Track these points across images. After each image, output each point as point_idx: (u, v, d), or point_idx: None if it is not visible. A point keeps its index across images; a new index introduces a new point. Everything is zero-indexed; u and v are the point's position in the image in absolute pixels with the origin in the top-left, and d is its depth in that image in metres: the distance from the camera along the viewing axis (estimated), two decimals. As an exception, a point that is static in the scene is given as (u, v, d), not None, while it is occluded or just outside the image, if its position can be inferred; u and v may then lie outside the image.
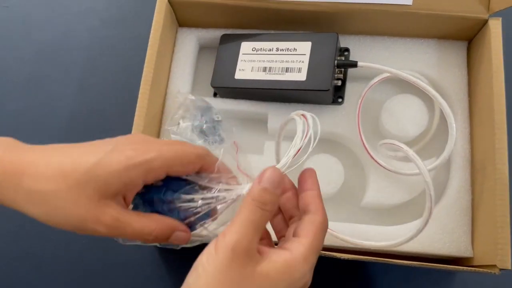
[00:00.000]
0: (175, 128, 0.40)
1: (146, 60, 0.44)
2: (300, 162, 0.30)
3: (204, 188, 0.31)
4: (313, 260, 0.28)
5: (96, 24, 0.59)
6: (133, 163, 0.28)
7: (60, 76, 0.57)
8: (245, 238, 0.26)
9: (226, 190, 0.30)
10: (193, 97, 0.44)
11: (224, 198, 0.30)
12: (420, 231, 0.36)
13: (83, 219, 0.28)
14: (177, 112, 0.42)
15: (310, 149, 0.31)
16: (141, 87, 0.43)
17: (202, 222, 0.31)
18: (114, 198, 0.28)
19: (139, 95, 0.43)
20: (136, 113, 0.43)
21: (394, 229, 0.42)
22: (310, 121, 0.32)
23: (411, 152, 0.37)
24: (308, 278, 0.28)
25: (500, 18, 0.43)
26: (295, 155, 0.30)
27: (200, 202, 0.30)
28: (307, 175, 0.31)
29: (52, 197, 0.28)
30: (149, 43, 0.44)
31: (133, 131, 0.42)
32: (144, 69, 0.44)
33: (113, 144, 0.29)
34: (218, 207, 0.30)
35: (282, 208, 0.33)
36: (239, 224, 0.27)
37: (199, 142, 0.42)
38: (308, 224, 0.29)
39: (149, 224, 0.29)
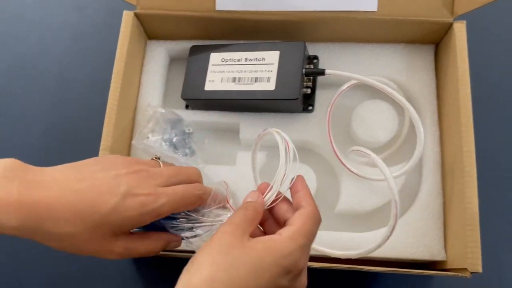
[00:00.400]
0: (145, 141, 0.40)
1: (113, 74, 0.44)
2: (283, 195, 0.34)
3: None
4: (301, 242, 0.30)
5: (68, 37, 0.59)
6: (146, 210, 0.32)
7: (32, 90, 0.57)
8: (237, 228, 0.30)
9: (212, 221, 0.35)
10: (162, 110, 0.44)
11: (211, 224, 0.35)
12: (387, 238, 0.36)
13: (96, 251, 0.32)
14: (146, 125, 0.41)
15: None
16: (108, 101, 0.43)
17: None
18: (124, 233, 0.33)
19: (107, 109, 0.43)
20: (104, 127, 0.42)
21: (367, 235, 0.42)
22: (291, 146, 0.35)
23: (378, 159, 0.37)
24: (297, 257, 0.29)
25: (465, 21, 0.43)
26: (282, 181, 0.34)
27: (187, 225, 0.35)
28: (297, 180, 0.35)
29: (70, 237, 0.31)
30: (116, 57, 0.44)
31: (101, 146, 0.42)
32: (111, 83, 0.44)
33: (122, 176, 0.32)
34: (204, 232, 0.35)
35: (276, 216, 0.34)
36: (231, 219, 0.31)
37: (170, 155, 0.41)
38: (299, 215, 0.32)
39: (151, 244, 0.34)
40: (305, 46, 0.45)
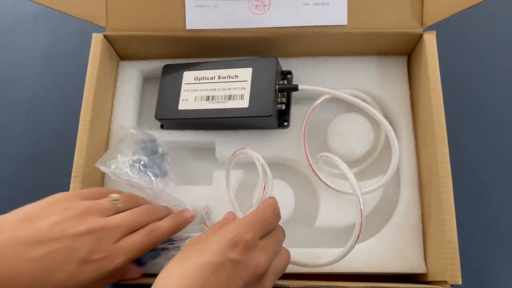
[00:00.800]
0: (112, 165, 0.39)
1: (84, 98, 0.43)
2: None
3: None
4: (247, 220, 0.32)
5: (40, 61, 0.58)
6: (104, 271, 0.32)
7: (4, 114, 0.56)
8: None
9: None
10: (133, 131, 0.43)
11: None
12: (352, 247, 0.36)
13: None
14: (115, 147, 0.41)
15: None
16: (79, 125, 0.42)
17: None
18: None
19: (78, 134, 0.42)
20: (76, 153, 0.42)
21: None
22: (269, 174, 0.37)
23: (341, 163, 0.38)
24: (241, 230, 0.31)
25: (435, 32, 0.43)
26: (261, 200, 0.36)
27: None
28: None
29: None
30: (86, 80, 0.44)
31: (73, 173, 0.41)
32: (82, 107, 0.43)
33: (78, 239, 0.31)
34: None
35: None
36: None
37: (135, 177, 0.40)
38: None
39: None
40: (277, 62, 0.44)
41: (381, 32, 0.44)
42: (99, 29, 0.46)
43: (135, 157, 0.40)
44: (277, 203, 0.35)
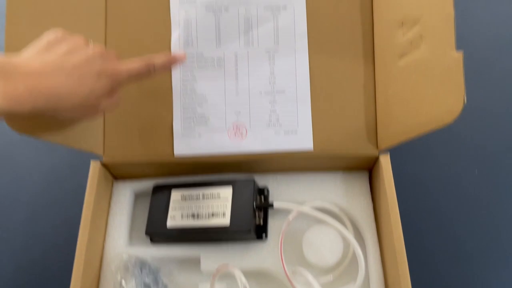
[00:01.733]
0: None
1: (81, 227, 0.47)
2: None
3: None
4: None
5: (41, 180, 0.63)
6: (114, 83, 0.43)
7: (3, 233, 0.60)
8: None
9: None
10: (127, 256, 0.48)
11: None
12: None
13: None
14: (116, 277, 0.45)
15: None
16: (75, 256, 0.46)
17: None
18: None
19: (75, 263, 0.46)
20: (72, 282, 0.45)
21: None
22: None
23: (308, 275, 0.43)
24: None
25: (389, 153, 0.50)
26: None
27: None
28: None
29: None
30: (84, 208, 0.48)
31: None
32: (79, 237, 0.47)
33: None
34: None
35: None
36: None
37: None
38: None
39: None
40: (254, 182, 0.51)
41: (343, 154, 0.51)
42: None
43: (138, 280, 0.45)
44: None
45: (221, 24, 0.53)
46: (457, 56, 0.42)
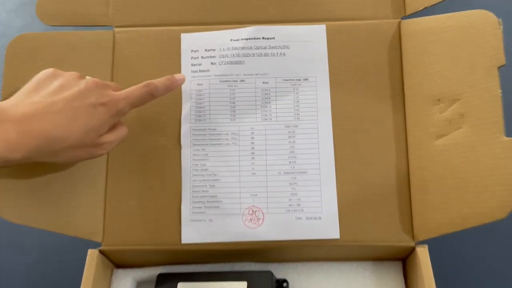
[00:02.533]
0: None
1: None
2: None
3: None
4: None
5: (35, 257, 0.58)
6: (113, 113, 0.40)
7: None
8: None
9: None
10: None
11: None
12: None
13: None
14: None
15: None
16: None
17: None
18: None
19: None
20: None
21: None
22: None
23: None
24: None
25: (427, 245, 0.44)
26: None
27: None
28: None
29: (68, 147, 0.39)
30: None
31: None
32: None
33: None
34: None
35: None
36: None
37: None
38: None
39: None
40: (272, 275, 0.44)
41: (374, 245, 0.45)
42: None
43: None
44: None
45: (236, 96, 0.48)
46: (508, 142, 0.37)
